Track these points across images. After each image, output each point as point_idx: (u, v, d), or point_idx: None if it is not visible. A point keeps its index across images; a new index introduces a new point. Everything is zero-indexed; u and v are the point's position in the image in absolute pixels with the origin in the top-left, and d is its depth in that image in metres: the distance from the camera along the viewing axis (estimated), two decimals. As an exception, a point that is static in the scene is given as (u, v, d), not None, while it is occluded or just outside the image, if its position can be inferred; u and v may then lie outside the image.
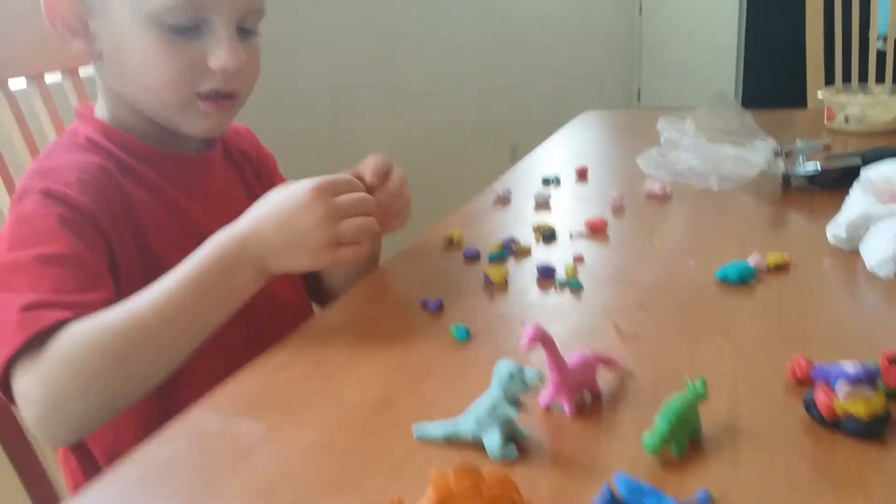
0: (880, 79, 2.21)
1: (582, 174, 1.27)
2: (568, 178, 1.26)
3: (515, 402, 0.55)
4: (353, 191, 0.76)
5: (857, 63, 2.21)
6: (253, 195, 0.97)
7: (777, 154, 1.11)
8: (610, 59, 5.14)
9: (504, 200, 1.16)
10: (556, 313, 0.78)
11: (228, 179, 0.95)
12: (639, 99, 5.67)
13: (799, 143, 1.14)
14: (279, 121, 1.81)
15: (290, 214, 0.73)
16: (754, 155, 1.10)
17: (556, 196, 1.16)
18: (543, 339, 0.58)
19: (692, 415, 0.55)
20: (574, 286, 0.83)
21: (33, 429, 0.68)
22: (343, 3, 2.15)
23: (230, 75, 0.82)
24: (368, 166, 0.84)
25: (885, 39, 2.22)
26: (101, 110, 0.88)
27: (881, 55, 2.21)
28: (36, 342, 0.67)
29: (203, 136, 0.89)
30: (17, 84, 0.99)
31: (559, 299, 0.81)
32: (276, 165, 1.05)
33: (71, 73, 1.04)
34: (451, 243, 0.98)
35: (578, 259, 0.90)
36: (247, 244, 0.73)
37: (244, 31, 0.83)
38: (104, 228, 0.78)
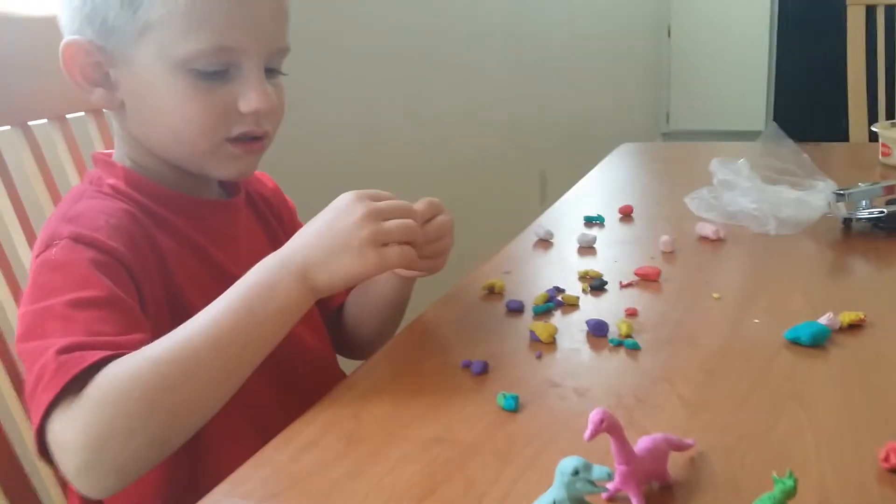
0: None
1: (626, 214, 1.20)
2: (611, 218, 1.19)
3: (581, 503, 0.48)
4: (390, 198, 0.74)
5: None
6: (275, 242, 0.92)
7: (839, 196, 1.04)
8: (639, 82, 5.07)
9: (546, 243, 1.09)
10: (612, 378, 0.71)
11: (251, 226, 0.91)
12: (668, 122, 5.59)
13: (862, 185, 1.06)
14: (304, 152, 1.76)
15: (330, 220, 0.72)
16: (815, 198, 1.03)
17: (600, 238, 1.09)
18: (610, 426, 0.52)
19: (783, 518, 0.48)
20: (630, 346, 0.76)
21: (74, 479, 0.63)
22: (370, 32, 2.10)
23: (261, 117, 0.79)
24: (417, 206, 0.79)
25: None
26: (120, 156, 0.84)
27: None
28: (74, 387, 0.62)
29: (232, 179, 0.87)
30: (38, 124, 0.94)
31: (614, 361, 0.74)
32: (297, 214, 1.01)
33: (95, 113, 0.99)
34: (492, 292, 0.91)
35: (631, 313, 0.83)
36: (290, 257, 0.71)
37: (270, 71, 0.81)
38: (135, 274, 0.74)
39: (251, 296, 0.69)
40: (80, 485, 0.63)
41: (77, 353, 0.63)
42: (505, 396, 0.66)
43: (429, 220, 0.79)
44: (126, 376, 0.62)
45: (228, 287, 0.82)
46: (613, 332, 0.79)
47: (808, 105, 5.02)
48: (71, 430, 0.61)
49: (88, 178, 0.82)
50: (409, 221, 0.74)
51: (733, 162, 1.13)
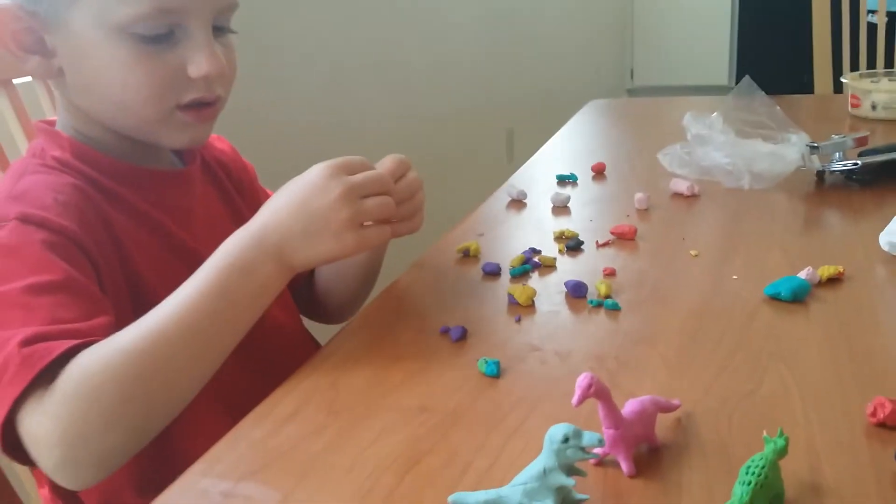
0: (889, 62, 2.13)
1: (599, 171, 1.19)
2: (584, 176, 1.17)
3: (572, 471, 0.47)
4: (366, 169, 0.71)
5: (864, 45, 2.13)
6: (235, 210, 0.89)
7: (812, 149, 1.03)
8: (604, 39, 5.04)
9: (519, 203, 1.07)
10: (593, 341, 0.70)
11: (209, 195, 0.87)
12: (632, 78, 5.58)
13: (835, 137, 1.06)
14: (264, 111, 1.71)
15: (305, 197, 0.68)
16: (788, 151, 1.02)
17: (574, 196, 1.07)
18: (598, 390, 0.50)
19: (776, 478, 0.48)
20: (610, 307, 0.75)
21: (52, 474, 0.60)
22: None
23: (212, 81, 0.74)
24: (385, 165, 0.76)
25: (874, 13, 2.13)
26: (63, 125, 0.79)
27: (889, 38, 2.13)
28: (42, 380, 0.59)
29: (185, 147, 0.82)
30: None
31: (594, 323, 0.73)
32: (257, 177, 0.97)
33: (5, 84, 0.94)
34: (466, 255, 0.90)
35: (610, 273, 0.82)
36: (264, 236, 0.68)
37: (218, 30, 0.76)
38: (90, 253, 0.70)
39: (225, 279, 0.66)
40: (60, 479, 0.61)
41: (42, 345, 0.60)
42: (486, 362, 0.65)
43: (398, 179, 0.77)
44: (98, 368, 0.59)
45: (187, 262, 0.78)
46: (592, 293, 0.78)
47: (771, 59, 5.02)
48: (46, 425, 0.59)
49: (31, 151, 0.77)
50: (387, 199, 0.71)
51: (706, 116, 1.11)
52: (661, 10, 5.43)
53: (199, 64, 0.73)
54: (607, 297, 0.76)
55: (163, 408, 0.63)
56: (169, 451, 0.74)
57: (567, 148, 1.43)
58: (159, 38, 0.71)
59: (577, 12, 4.32)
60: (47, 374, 0.59)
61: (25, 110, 0.95)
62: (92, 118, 0.77)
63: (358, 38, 2.17)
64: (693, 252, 0.86)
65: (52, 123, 0.81)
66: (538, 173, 1.23)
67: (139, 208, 0.78)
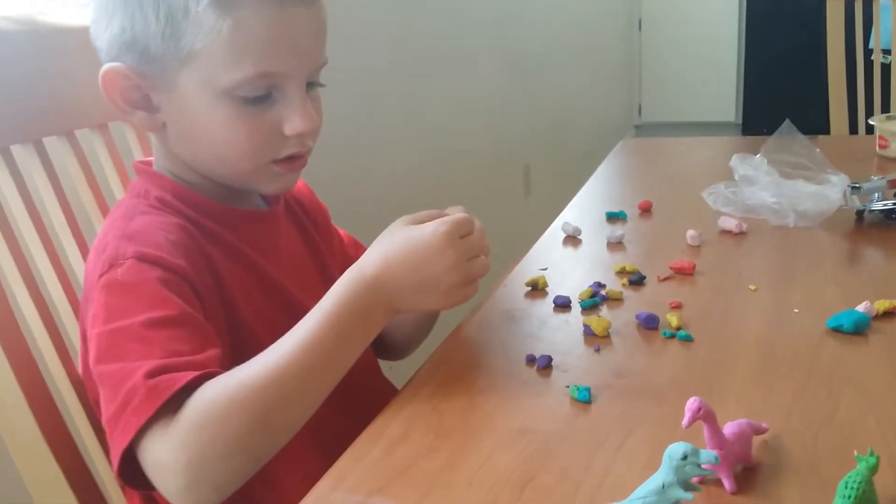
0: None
1: (646, 209, 1.24)
2: (631, 213, 1.23)
3: (689, 487, 0.51)
4: (473, 230, 0.76)
5: (878, 86, 2.19)
6: (314, 248, 0.95)
7: (854, 189, 1.09)
8: (613, 76, 5.14)
9: (574, 240, 1.13)
10: (673, 369, 0.75)
11: (291, 234, 0.93)
12: (640, 114, 5.67)
13: (874, 179, 1.11)
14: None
15: (423, 257, 0.73)
16: (831, 191, 1.08)
17: (626, 234, 1.12)
18: (706, 413, 0.55)
19: (871, 492, 0.52)
20: (683, 338, 0.80)
21: (175, 498, 0.65)
22: (357, 30, 2.12)
23: (304, 137, 0.81)
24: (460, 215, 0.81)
25: (888, 53, 2.21)
26: (160, 165, 0.85)
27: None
28: (166, 409, 0.64)
29: (275, 193, 0.89)
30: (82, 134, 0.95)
31: (670, 353, 0.78)
32: (330, 217, 1.02)
33: (101, 128, 0.99)
34: (535, 289, 0.95)
35: (677, 306, 0.87)
36: (379, 286, 0.73)
37: (309, 85, 0.82)
38: (197, 288, 0.75)
39: (343, 322, 0.70)
40: (183, 502, 0.65)
41: (165, 377, 0.64)
42: (578, 388, 0.69)
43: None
44: (223, 400, 0.64)
45: (275, 296, 0.84)
46: (664, 325, 0.83)
47: (776, 96, 5.12)
48: (171, 452, 0.63)
49: (134, 192, 0.83)
50: (485, 259, 0.77)
51: (751, 158, 1.17)
52: (668, 48, 5.54)
53: (294, 123, 0.78)
54: (679, 328, 0.81)
55: (278, 437, 0.68)
56: (260, 485, 0.78)
57: (607, 187, 1.49)
58: (259, 99, 0.77)
59: (586, 52, 4.42)
60: (170, 405, 0.64)
61: (117, 151, 1.00)
62: (190, 166, 0.83)
63: (379, 80, 2.24)
64: (752, 287, 0.91)
65: (148, 164, 0.86)
66: (585, 210, 1.28)
67: (234, 245, 0.83)
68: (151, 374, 0.65)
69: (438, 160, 2.55)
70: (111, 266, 0.73)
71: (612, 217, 1.21)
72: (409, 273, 0.73)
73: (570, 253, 1.09)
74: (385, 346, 1.00)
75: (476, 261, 0.75)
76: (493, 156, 3.05)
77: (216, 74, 0.75)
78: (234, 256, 0.83)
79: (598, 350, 0.79)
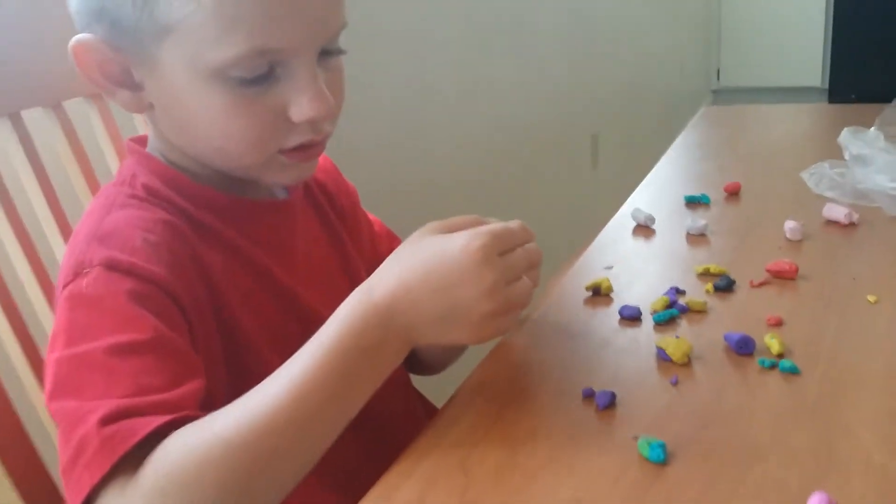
0: None
1: (733, 192, 1.05)
2: (715, 197, 1.04)
3: None
4: (516, 244, 0.59)
5: None
6: (337, 242, 0.79)
7: None
8: (688, 39, 4.85)
9: (646, 230, 0.95)
10: (776, 417, 0.57)
11: (309, 224, 0.77)
12: (718, 78, 5.36)
13: None
14: (350, 128, 1.62)
15: (450, 282, 0.56)
16: (967, 173, 0.88)
17: (710, 223, 0.94)
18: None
19: None
20: (787, 370, 0.62)
21: None
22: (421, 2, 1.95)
23: (317, 123, 0.65)
24: (513, 227, 0.64)
25: None
26: (154, 147, 0.70)
27: None
28: (126, 462, 0.51)
29: (288, 184, 0.74)
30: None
31: (771, 392, 0.60)
32: (359, 200, 0.86)
33: (95, 98, 0.85)
34: (597, 294, 0.78)
35: (776, 323, 0.69)
36: (394, 314, 0.56)
37: (325, 54, 0.65)
38: (181, 301, 0.61)
39: (348, 362, 0.55)
40: None
41: (125, 423, 0.51)
42: (648, 444, 0.53)
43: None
44: (194, 459, 0.50)
45: (283, 302, 0.70)
46: (761, 350, 0.65)
47: (867, 59, 4.77)
48: None
49: (120, 177, 0.69)
50: (527, 283, 0.60)
51: (864, 132, 0.97)
52: (751, 7, 5.21)
53: (302, 107, 0.63)
54: (781, 355, 0.64)
55: (265, 499, 0.53)
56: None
57: (687, 163, 1.30)
58: (258, 79, 0.61)
59: (661, 11, 4.16)
60: (131, 457, 0.51)
61: (115, 124, 0.86)
62: (185, 153, 0.68)
63: (442, 47, 2.07)
64: (871, 298, 0.73)
65: (143, 142, 0.72)
66: (660, 193, 1.10)
67: (234, 244, 0.68)
68: (108, 420, 0.52)
69: (498, 131, 2.38)
70: (76, 275, 0.60)
71: (693, 202, 1.03)
72: (431, 298, 0.56)
73: (641, 247, 0.91)
74: (414, 361, 0.84)
75: (517, 285, 0.58)
76: (558, 125, 2.86)
77: (202, 52, 0.60)
78: (232, 255, 0.68)
79: (675, 383, 0.62)
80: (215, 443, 0.51)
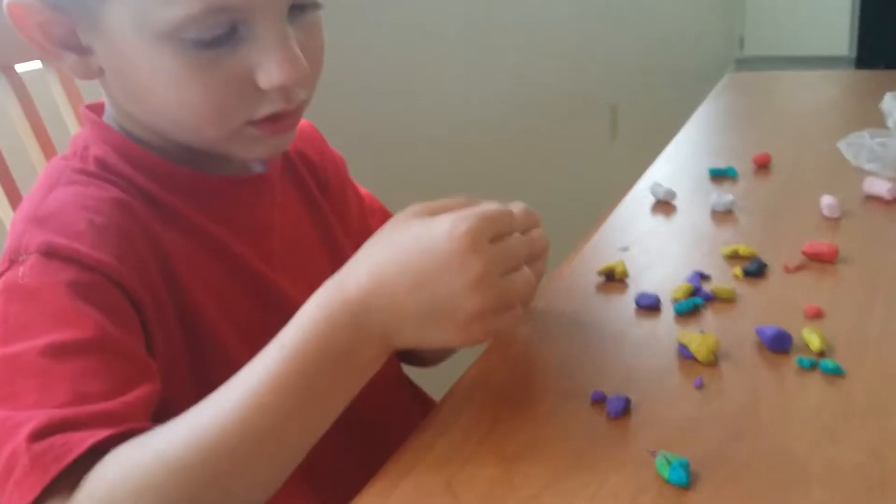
0: None
1: (763, 164, 0.96)
2: (743, 170, 0.95)
3: None
4: (514, 228, 0.50)
5: None
6: (321, 221, 0.71)
7: None
8: (711, 6, 4.70)
9: (667, 206, 0.86)
10: (818, 428, 0.49)
11: (288, 202, 0.69)
12: (741, 47, 5.21)
13: None
14: (352, 94, 1.53)
15: (430, 274, 0.47)
16: None
17: (737, 198, 0.85)
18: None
19: None
20: (830, 371, 0.54)
21: None
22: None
23: (289, 90, 0.56)
24: (516, 210, 0.56)
25: None
26: (110, 115, 0.62)
27: None
28: (62, 482, 0.44)
29: (260, 159, 0.65)
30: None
31: (810, 396, 0.52)
32: (347, 169, 0.78)
33: (6, 70, 0.76)
34: (610, 279, 0.69)
35: (815, 314, 0.61)
36: (366, 314, 0.48)
37: (298, 9, 0.56)
38: (132, 290, 0.53)
39: (314, 368, 0.47)
40: None
41: (59, 438, 0.44)
42: (668, 463, 0.45)
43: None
44: (131, 484, 0.43)
45: (257, 293, 0.61)
46: (798, 346, 0.57)
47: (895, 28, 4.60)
48: None
49: (72, 147, 0.61)
50: (527, 273, 0.50)
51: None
52: (776, -26, 5.04)
53: (270, 72, 0.54)
54: (822, 353, 0.55)
55: None
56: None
57: (711, 133, 1.20)
58: (217, 40, 0.53)
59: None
60: (67, 476, 0.44)
61: (78, 90, 0.78)
62: (143, 123, 0.60)
63: (452, 12, 1.97)
64: (923, 284, 0.64)
65: (100, 109, 0.64)
66: (681, 165, 1.01)
67: (199, 226, 0.60)
68: (39, 435, 0.45)
69: (510, 100, 2.28)
70: (11, 262, 0.53)
71: (718, 175, 0.94)
72: (410, 296, 0.48)
73: (660, 225, 0.82)
74: (406, 352, 0.76)
75: (513, 277, 0.49)
76: (575, 94, 2.76)
77: (149, 11, 0.51)
78: (202, 243, 0.60)
79: (699, 386, 0.53)
80: (155, 465, 0.44)
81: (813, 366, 0.54)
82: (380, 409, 0.67)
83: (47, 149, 0.77)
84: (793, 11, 5.04)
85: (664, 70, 3.74)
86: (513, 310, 0.49)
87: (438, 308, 0.47)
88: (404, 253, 0.48)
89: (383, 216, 0.80)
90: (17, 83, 0.75)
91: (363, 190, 0.80)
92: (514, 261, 0.49)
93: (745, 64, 5.18)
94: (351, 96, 1.49)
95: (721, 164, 0.95)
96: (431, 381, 0.79)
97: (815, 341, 0.56)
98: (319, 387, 0.47)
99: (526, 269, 0.50)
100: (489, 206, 0.49)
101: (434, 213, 0.49)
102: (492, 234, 0.48)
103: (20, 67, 0.75)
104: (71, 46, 0.57)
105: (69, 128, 0.79)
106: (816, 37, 5.01)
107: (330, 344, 0.47)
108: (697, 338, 0.56)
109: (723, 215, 0.82)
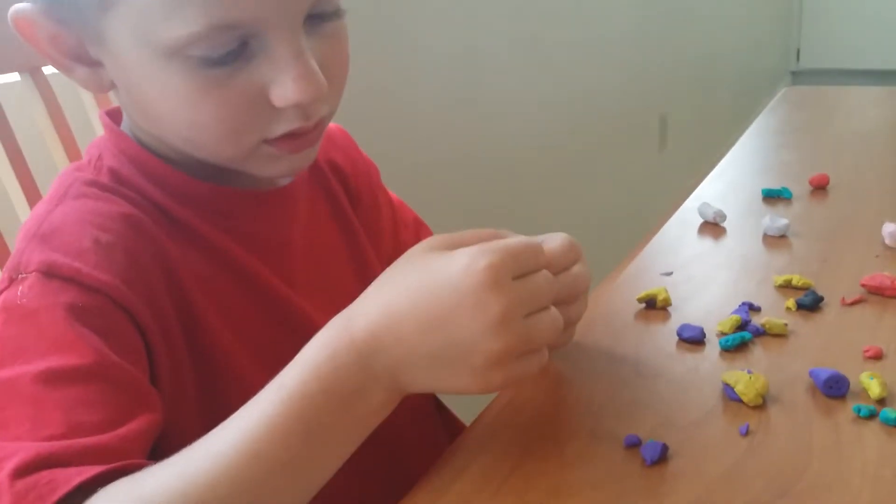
0: None
1: (820, 186, 0.91)
2: (798, 191, 0.90)
3: None
4: (541, 264, 0.45)
5: None
6: (349, 233, 0.67)
7: None
8: (767, 14, 4.59)
9: (715, 228, 0.81)
10: (873, 485, 0.44)
11: (315, 217, 0.65)
12: (798, 59, 5.09)
13: None
14: (392, 101, 1.50)
15: (448, 311, 0.43)
16: None
17: (791, 222, 0.80)
18: None
19: None
20: (891, 422, 0.49)
21: None
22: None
23: (308, 107, 0.52)
24: (555, 245, 0.51)
25: None
26: (128, 124, 0.59)
27: None
28: None
29: (280, 177, 0.61)
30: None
31: (868, 452, 0.47)
32: (380, 177, 0.74)
33: (32, 72, 0.74)
34: (651, 307, 0.65)
35: (874, 355, 0.56)
36: (374, 356, 0.44)
37: (316, 18, 0.52)
38: (137, 314, 0.51)
39: (316, 414, 0.43)
40: None
41: (44, 476, 0.42)
42: (709, 523, 0.40)
43: (560, 272, 0.52)
44: None
45: (277, 318, 0.58)
46: (856, 392, 0.52)
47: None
48: None
49: (87, 157, 0.58)
50: (557, 316, 0.46)
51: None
52: (835, -15, 4.91)
53: (285, 90, 0.50)
54: (882, 400, 0.50)
55: None
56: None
57: (765, 151, 1.14)
58: (227, 56, 0.49)
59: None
60: None
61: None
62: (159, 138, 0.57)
63: (495, 14, 1.93)
64: None
65: (119, 115, 0.61)
66: (732, 184, 0.96)
67: (214, 243, 0.57)
68: (24, 471, 0.42)
69: (561, 107, 2.24)
70: (11, 281, 0.51)
71: (772, 196, 0.89)
72: (422, 337, 0.44)
73: (707, 249, 0.78)
74: None
75: (540, 317, 0.45)
76: (625, 103, 2.70)
77: (152, 28, 0.48)
78: (216, 261, 0.57)
79: (745, 433, 0.49)
80: None
81: (872, 415, 0.49)
82: (405, 436, 0.63)
83: (72, 152, 0.75)
84: (851, 23, 4.90)
85: (716, 81, 3.66)
86: (537, 354, 0.45)
87: (453, 351, 0.43)
88: (417, 289, 0.44)
89: (417, 227, 0.76)
90: (43, 85, 0.73)
91: (396, 198, 0.76)
92: (540, 300, 0.45)
93: (800, 77, 5.06)
94: (404, 116, 1.47)
95: (775, 185, 0.90)
96: (461, 401, 0.75)
97: (874, 388, 0.51)
98: (320, 433, 0.43)
99: (553, 310, 0.46)
100: (514, 240, 0.45)
101: (454, 246, 0.45)
102: (516, 270, 0.44)
103: (46, 70, 0.73)
104: (82, 59, 0.54)
105: (95, 131, 0.77)
106: (876, 49, 4.87)
107: (333, 386, 0.43)
108: (745, 378, 0.52)
109: (776, 241, 0.77)
